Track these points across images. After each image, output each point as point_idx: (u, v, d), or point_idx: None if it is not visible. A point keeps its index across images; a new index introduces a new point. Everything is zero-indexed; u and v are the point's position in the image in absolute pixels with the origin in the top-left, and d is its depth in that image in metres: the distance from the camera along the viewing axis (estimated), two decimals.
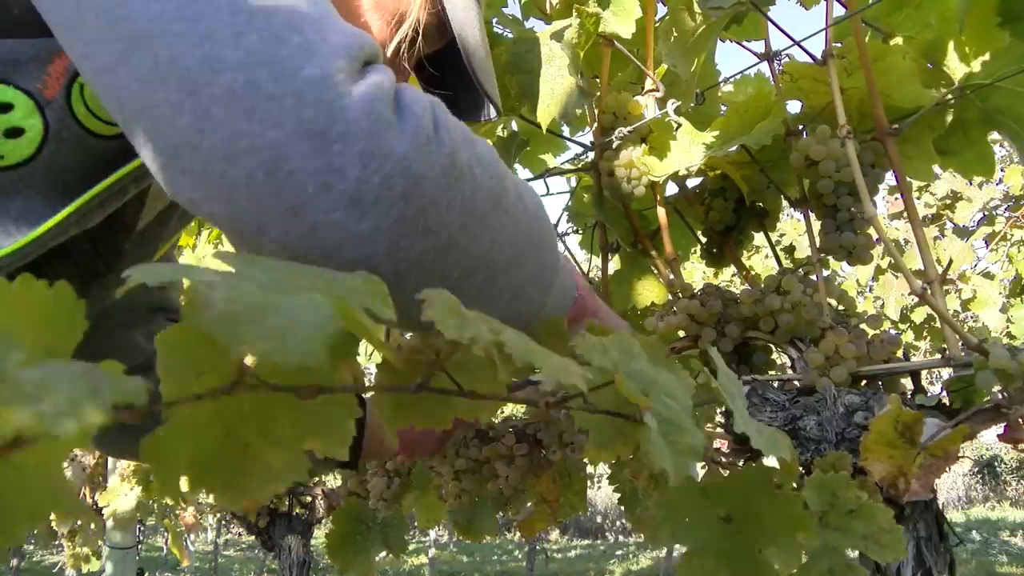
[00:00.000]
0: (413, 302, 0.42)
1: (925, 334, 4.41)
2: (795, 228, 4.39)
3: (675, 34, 0.85)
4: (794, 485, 0.69)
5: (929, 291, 0.76)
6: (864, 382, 0.89)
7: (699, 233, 1.21)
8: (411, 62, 0.80)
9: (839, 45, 0.99)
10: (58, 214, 0.61)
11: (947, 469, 0.72)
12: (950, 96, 0.99)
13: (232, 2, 0.46)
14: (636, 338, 0.55)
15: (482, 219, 0.52)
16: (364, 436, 0.98)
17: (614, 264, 1.18)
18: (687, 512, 0.61)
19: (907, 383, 0.90)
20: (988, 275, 4.17)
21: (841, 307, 1.02)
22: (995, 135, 1.03)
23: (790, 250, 4.24)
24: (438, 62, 0.83)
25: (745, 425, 0.55)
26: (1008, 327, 3.91)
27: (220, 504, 0.42)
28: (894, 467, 0.74)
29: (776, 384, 0.95)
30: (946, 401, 0.80)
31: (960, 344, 0.79)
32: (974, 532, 10.87)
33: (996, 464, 17.66)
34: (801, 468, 0.86)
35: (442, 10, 0.75)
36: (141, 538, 4.55)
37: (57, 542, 3.42)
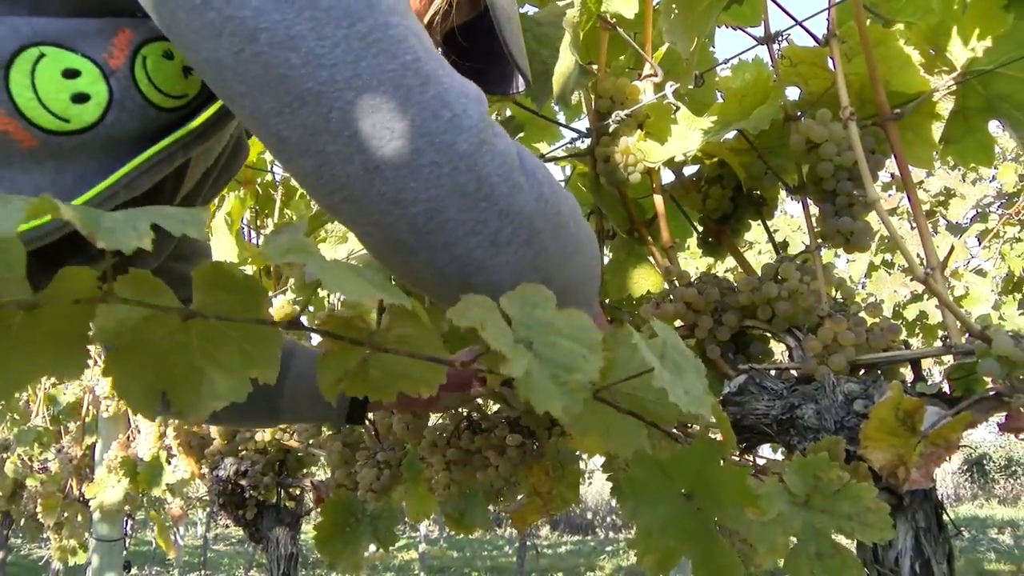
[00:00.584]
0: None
1: (918, 331, 4.41)
2: (789, 224, 4.38)
3: (675, 11, 0.83)
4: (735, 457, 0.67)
5: (932, 277, 0.75)
6: (863, 371, 0.88)
7: (695, 222, 1.19)
8: (441, 33, 0.83)
9: (819, 12, 0.98)
10: (111, 176, 0.64)
11: (947, 458, 0.71)
12: (952, 83, 0.97)
13: (393, 78, 0.56)
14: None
15: (571, 258, 0.68)
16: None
17: (609, 252, 1.16)
18: (648, 489, 0.61)
19: (906, 372, 0.89)
20: (980, 272, 4.17)
21: (839, 295, 1.01)
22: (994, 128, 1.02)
23: (783, 246, 4.23)
24: (465, 34, 0.87)
25: (669, 384, 0.54)
26: (1000, 324, 3.91)
27: (177, 416, 0.57)
28: (894, 455, 0.73)
29: (773, 372, 0.93)
30: (947, 389, 0.79)
31: (962, 331, 0.78)
32: (963, 529, 10.91)
33: (984, 462, 17.77)
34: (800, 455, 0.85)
35: None
36: (130, 532, 4.52)
37: (44, 535, 3.39)
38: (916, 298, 4.03)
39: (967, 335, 0.77)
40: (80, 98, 0.62)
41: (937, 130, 1.03)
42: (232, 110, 0.60)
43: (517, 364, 0.50)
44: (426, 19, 0.80)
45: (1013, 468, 17.84)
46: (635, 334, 0.56)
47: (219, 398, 0.53)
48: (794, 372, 0.92)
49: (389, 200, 0.57)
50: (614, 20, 0.96)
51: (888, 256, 4.18)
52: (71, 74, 0.61)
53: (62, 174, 0.63)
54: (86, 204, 0.63)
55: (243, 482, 1.90)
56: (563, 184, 1.38)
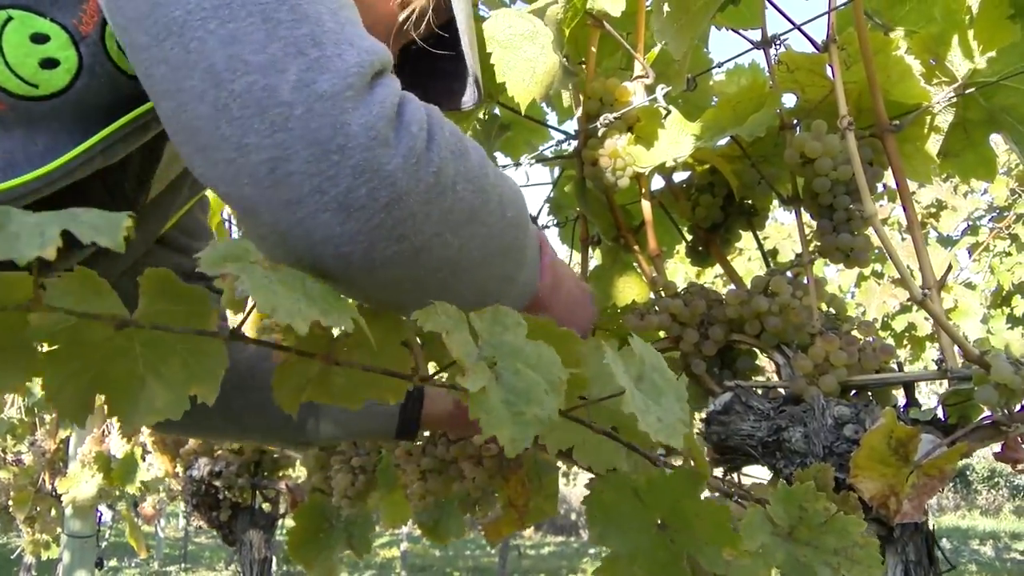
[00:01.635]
0: (383, 292, 0.54)
1: (906, 342, 4.40)
2: (779, 231, 4.35)
3: (668, 9, 0.79)
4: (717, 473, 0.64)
5: (929, 298, 0.71)
6: (854, 392, 0.84)
7: (684, 230, 1.16)
8: (399, 44, 0.82)
9: (819, 15, 0.94)
10: (85, 142, 0.63)
11: (941, 489, 0.67)
12: (952, 94, 0.94)
13: (263, 10, 0.51)
14: (530, 320, 0.55)
15: (455, 229, 0.56)
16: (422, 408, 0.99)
17: (595, 259, 1.12)
18: (620, 513, 0.58)
19: (898, 393, 0.85)
20: (970, 285, 4.16)
21: (831, 310, 0.97)
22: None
23: (773, 254, 4.21)
24: (419, 49, 0.84)
25: (641, 410, 0.51)
26: (988, 338, 3.90)
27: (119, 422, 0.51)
28: (885, 485, 0.69)
29: (760, 391, 0.90)
30: (941, 416, 0.76)
31: (959, 355, 0.74)
32: (944, 540, 10.96)
33: (968, 473, 17.85)
34: (784, 482, 0.81)
35: None
36: (111, 523, 4.44)
37: (17, 527, 3.33)
38: (905, 309, 4.02)
39: (963, 358, 0.74)
40: (49, 63, 0.61)
41: (936, 142, 1.00)
42: (124, 52, 0.58)
43: (474, 379, 0.47)
44: (394, 32, 0.79)
45: (995, 479, 17.94)
46: (609, 354, 0.52)
47: (155, 412, 0.51)
48: (782, 391, 0.89)
49: (233, 145, 0.50)
50: (602, 17, 0.92)
51: (878, 266, 4.16)
52: (40, 39, 0.60)
53: (32, 141, 0.63)
54: (60, 167, 0.63)
55: (217, 483, 1.85)
56: (551, 187, 1.35)
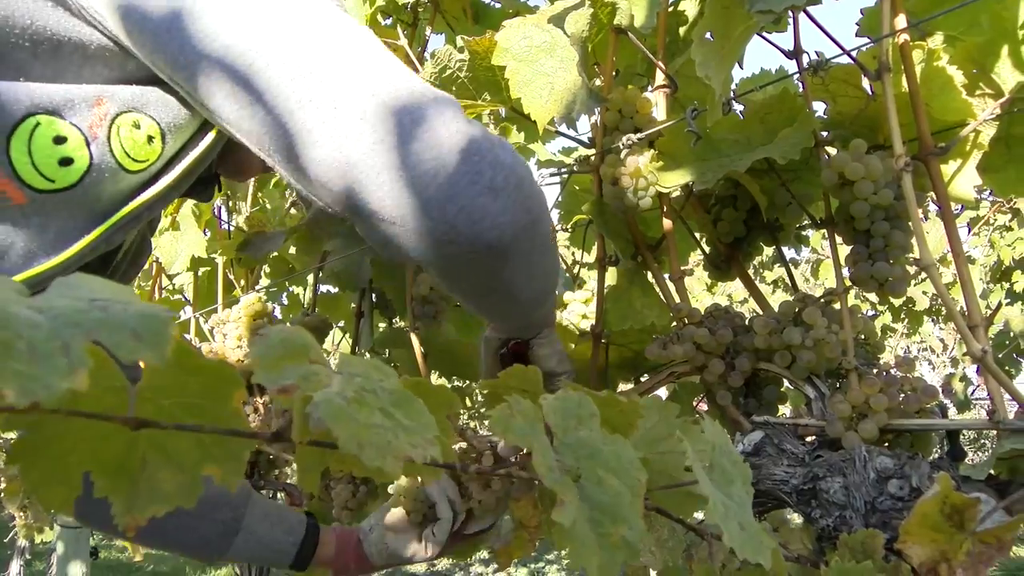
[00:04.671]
0: (512, 263, 0.70)
1: (903, 316, 4.38)
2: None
3: (710, 39, 0.72)
4: None
5: (989, 355, 0.66)
6: (891, 433, 0.80)
7: (703, 241, 1.10)
8: None
9: (867, 44, 0.87)
10: (92, 233, 0.73)
11: (996, 561, 0.63)
12: (997, 109, 0.88)
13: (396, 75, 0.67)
14: (595, 397, 0.50)
15: (544, 214, 0.73)
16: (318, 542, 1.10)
17: (611, 277, 1.06)
18: None
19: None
20: (970, 259, 4.12)
21: (862, 335, 0.92)
22: None
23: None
24: None
25: (723, 518, 0.46)
26: (987, 313, 3.87)
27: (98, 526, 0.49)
28: (936, 551, 0.64)
29: (792, 425, 0.85)
30: (993, 471, 0.71)
31: (1012, 406, 0.70)
32: None
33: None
34: (820, 533, 0.77)
35: None
36: None
37: (8, 513, 3.29)
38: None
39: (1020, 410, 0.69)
40: (66, 161, 0.69)
41: (976, 157, 0.94)
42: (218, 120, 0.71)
43: (568, 510, 0.40)
44: None
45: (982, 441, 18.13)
46: (691, 452, 0.47)
47: (162, 499, 0.42)
48: (812, 426, 0.84)
49: (396, 167, 0.64)
50: (627, 28, 0.85)
51: None
52: (60, 140, 0.68)
53: (46, 230, 0.71)
54: (75, 255, 0.72)
55: None
56: (559, 194, 1.28)
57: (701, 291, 4.49)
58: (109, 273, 0.86)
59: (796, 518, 0.86)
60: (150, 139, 0.73)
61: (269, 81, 0.65)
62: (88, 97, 0.70)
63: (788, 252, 1.11)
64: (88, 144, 0.70)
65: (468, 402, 2.47)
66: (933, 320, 4.82)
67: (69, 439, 0.42)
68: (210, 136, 0.76)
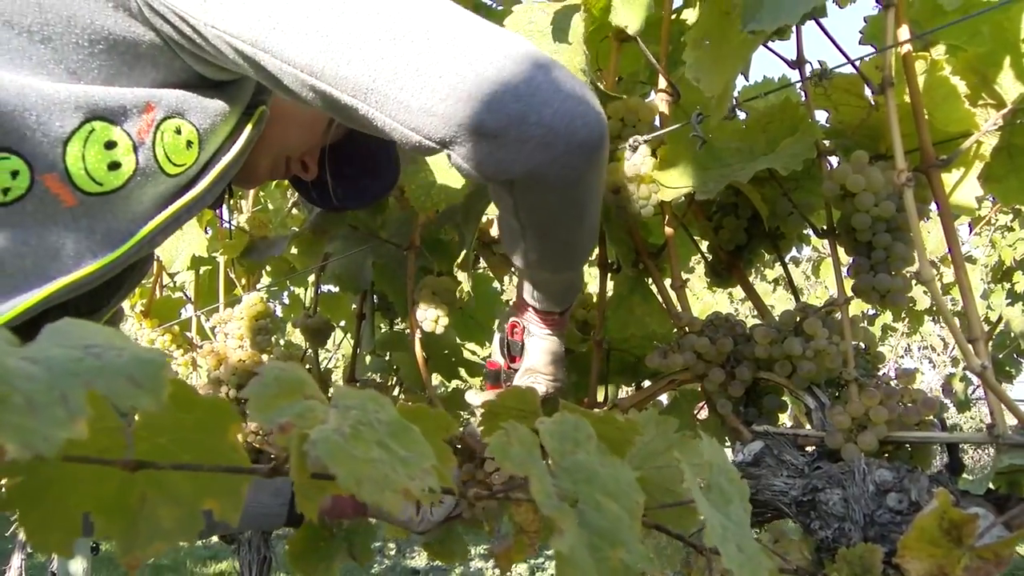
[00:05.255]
0: (594, 182, 0.76)
1: (904, 315, 4.37)
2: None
3: (707, 44, 0.72)
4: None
5: (989, 370, 0.66)
6: (891, 445, 0.80)
7: (705, 250, 1.10)
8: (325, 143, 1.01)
9: (870, 54, 0.87)
10: (138, 233, 0.76)
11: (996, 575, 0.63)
12: (1000, 119, 0.87)
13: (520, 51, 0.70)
14: (592, 417, 0.50)
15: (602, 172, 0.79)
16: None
17: (612, 284, 1.06)
18: None
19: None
20: (971, 259, 4.12)
21: (863, 344, 0.92)
22: None
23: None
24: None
25: (721, 540, 0.46)
26: (987, 313, 3.87)
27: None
28: (934, 565, 0.65)
29: (792, 435, 0.85)
30: (992, 485, 0.71)
31: (1012, 422, 0.70)
32: None
33: None
34: (819, 545, 0.77)
35: None
36: None
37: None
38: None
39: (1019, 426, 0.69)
40: (114, 166, 0.72)
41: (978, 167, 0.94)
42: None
43: (567, 538, 0.40)
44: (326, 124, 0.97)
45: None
46: (687, 471, 0.47)
47: (163, 535, 0.42)
48: (811, 437, 0.84)
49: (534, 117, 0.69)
50: (623, 32, 0.85)
51: None
52: (110, 145, 0.71)
53: (93, 232, 0.74)
54: (121, 256, 0.76)
55: None
56: None
57: (701, 288, 4.49)
58: (131, 270, 0.88)
59: (797, 528, 0.87)
60: (188, 144, 0.76)
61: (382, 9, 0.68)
62: (139, 103, 0.72)
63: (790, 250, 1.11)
64: (136, 149, 0.72)
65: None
66: (934, 319, 4.82)
67: (67, 481, 0.42)
68: (241, 141, 0.80)
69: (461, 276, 0.87)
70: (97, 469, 0.43)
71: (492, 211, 1.31)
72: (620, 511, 0.45)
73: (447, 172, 1.11)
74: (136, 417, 0.43)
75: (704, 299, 4.48)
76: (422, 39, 0.67)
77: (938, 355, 5.81)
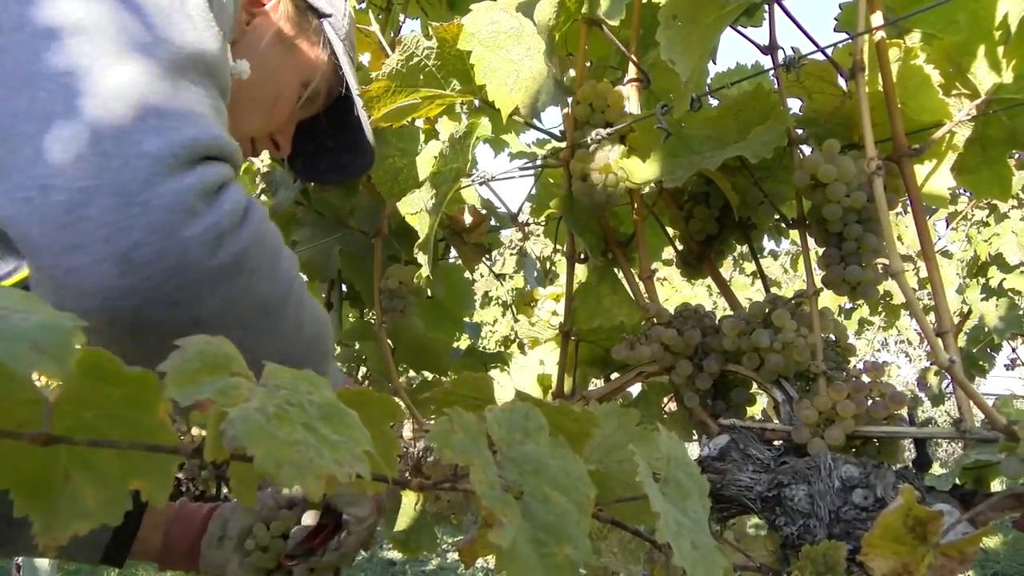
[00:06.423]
0: (149, 354, 0.43)
1: (880, 310, 4.40)
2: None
3: (678, 23, 0.70)
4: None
5: (957, 365, 0.64)
6: (858, 440, 0.78)
7: (676, 240, 1.08)
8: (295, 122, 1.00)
9: (843, 41, 0.85)
10: None
11: (961, 573, 0.62)
12: (972, 109, 0.86)
13: (134, 79, 0.53)
14: (545, 408, 0.48)
15: (241, 318, 0.58)
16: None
17: (581, 274, 1.04)
18: None
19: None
20: (947, 254, 4.14)
21: (832, 336, 0.90)
22: None
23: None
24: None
25: (674, 536, 0.45)
26: (962, 307, 3.90)
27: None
28: (898, 563, 0.63)
29: (759, 429, 0.84)
30: (958, 480, 0.70)
31: (979, 418, 0.68)
32: None
33: None
34: (784, 541, 0.76)
35: (339, 71, 0.96)
36: None
37: None
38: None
39: (988, 425, 0.68)
40: None
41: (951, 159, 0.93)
42: None
43: (506, 532, 0.38)
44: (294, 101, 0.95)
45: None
46: (641, 467, 0.45)
47: (86, 516, 0.40)
48: (778, 431, 0.83)
49: (37, 184, 0.51)
50: (597, 20, 0.82)
51: None
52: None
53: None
54: None
55: (179, 474, 1.77)
56: (532, 186, 1.26)
57: (680, 280, 4.49)
58: None
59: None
60: None
61: None
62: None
63: (768, 243, 1.09)
64: None
65: None
66: (910, 313, 4.85)
67: None
68: None
69: (421, 258, 0.85)
70: (17, 445, 0.40)
71: (460, 198, 1.29)
72: (569, 505, 0.43)
73: (416, 159, 1.08)
74: (57, 389, 0.41)
75: (683, 291, 4.48)
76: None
77: (914, 349, 5.86)
